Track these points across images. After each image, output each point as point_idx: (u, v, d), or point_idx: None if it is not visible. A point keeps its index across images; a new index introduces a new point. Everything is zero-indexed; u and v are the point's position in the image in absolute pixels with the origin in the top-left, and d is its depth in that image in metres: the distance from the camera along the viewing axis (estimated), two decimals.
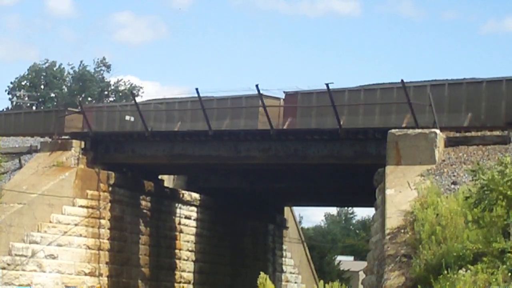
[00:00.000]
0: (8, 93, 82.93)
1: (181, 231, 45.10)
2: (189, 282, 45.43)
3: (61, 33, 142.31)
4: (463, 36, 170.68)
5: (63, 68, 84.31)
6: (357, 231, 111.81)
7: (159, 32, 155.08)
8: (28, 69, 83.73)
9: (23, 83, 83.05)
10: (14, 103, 78.50)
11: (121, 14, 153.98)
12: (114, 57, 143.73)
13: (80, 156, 39.73)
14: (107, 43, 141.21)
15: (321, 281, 28.82)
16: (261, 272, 28.98)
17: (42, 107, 76.63)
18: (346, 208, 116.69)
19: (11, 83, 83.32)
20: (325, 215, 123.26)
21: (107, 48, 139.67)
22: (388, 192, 30.40)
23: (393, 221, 28.12)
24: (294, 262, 56.66)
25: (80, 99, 61.99)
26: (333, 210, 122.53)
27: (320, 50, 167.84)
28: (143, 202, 42.48)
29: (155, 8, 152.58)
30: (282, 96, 41.33)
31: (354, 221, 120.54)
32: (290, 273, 56.06)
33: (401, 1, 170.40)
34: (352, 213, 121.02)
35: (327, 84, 35.49)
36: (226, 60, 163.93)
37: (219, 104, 42.58)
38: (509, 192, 23.57)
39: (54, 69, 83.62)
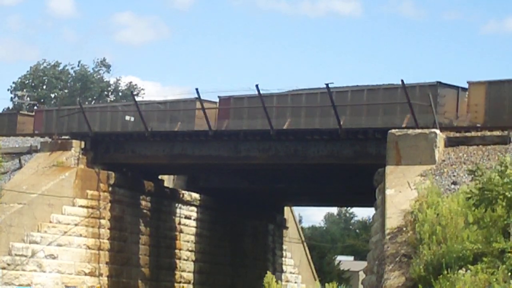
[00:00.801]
0: (10, 93, 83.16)
1: (181, 231, 45.10)
2: (189, 282, 45.43)
3: (62, 33, 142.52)
4: (463, 36, 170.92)
5: (65, 68, 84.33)
6: (357, 231, 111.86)
7: (160, 32, 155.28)
8: (29, 69, 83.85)
9: (25, 83, 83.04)
10: (16, 103, 78.49)
11: (122, 15, 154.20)
12: (115, 57, 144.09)
13: (80, 156, 39.73)
14: (108, 44, 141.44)
15: (317, 282, 28.84)
16: (267, 272, 28.99)
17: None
18: (346, 208, 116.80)
19: (14, 83, 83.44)
20: (325, 216, 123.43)
21: (108, 48, 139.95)
22: (388, 192, 30.40)
23: (393, 221, 28.13)
24: (294, 262, 56.64)
25: (79, 99, 61.95)
26: (334, 210, 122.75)
27: (321, 50, 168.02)
28: (143, 202, 42.47)
29: (156, 8, 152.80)
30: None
31: (354, 221, 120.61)
32: (290, 273, 56.04)
33: (402, 2, 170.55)
34: (352, 213, 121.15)
35: (327, 84, 35.52)
36: (227, 60, 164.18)
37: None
38: (508, 193, 23.54)
39: (55, 69, 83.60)
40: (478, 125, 35.47)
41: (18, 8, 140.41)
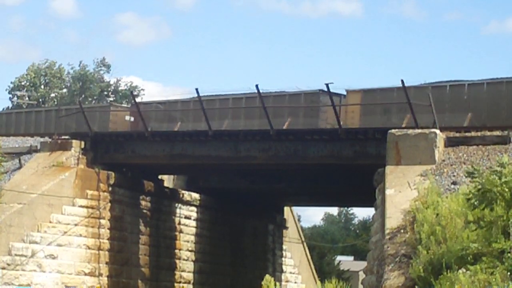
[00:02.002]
0: (9, 93, 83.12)
1: (181, 231, 45.10)
2: (189, 282, 45.43)
3: (64, 34, 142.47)
4: (465, 37, 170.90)
5: (63, 68, 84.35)
6: (357, 231, 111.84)
7: (162, 33, 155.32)
8: (27, 69, 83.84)
9: (23, 83, 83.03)
10: (15, 103, 78.51)
11: (124, 15, 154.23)
12: (116, 58, 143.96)
13: (80, 156, 39.73)
14: (110, 44, 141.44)
15: (319, 282, 28.82)
16: (266, 275, 28.91)
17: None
18: (346, 208, 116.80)
19: (11, 83, 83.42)
20: (324, 215, 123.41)
21: (110, 49, 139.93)
22: (388, 192, 30.40)
23: (393, 221, 28.13)
24: (294, 262, 56.65)
25: (80, 99, 62.02)
26: (333, 210, 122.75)
27: (322, 50, 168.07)
28: (143, 202, 42.48)
29: (158, 9, 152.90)
30: None
31: (354, 222, 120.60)
32: (290, 273, 56.05)
33: (403, 2, 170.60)
34: (352, 214, 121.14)
35: (326, 84, 35.52)
36: (229, 60, 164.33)
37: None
38: (506, 194, 23.53)
39: (54, 69, 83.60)
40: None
41: (20, 8, 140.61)
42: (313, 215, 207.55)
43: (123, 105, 59.74)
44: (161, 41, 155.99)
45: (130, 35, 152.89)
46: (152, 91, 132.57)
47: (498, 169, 23.87)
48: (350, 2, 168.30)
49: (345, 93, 39.99)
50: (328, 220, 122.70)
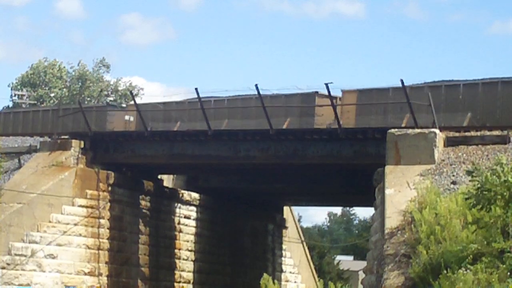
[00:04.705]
0: (11, 90, 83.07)
1: (180, 231, 45.09)
2: (188, 282, 45.43)
3: (69, 34, 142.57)
4: (468, 38, 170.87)
5: (64, 67, 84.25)
6: (357, 231, 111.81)
7: (166, 33, 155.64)
8: (28, 68, 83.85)
9: (24, 82, 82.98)
10: (16, 102, 78.44)
11: (129, 16, 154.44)
12: (121, 58, 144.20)
13: (80, 156, 39.72)
14: (114, 44, 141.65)
15: (321, 280, 28.83)
16: (264, 274, 28.94)
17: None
18: (348, 208, 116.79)
19: (15, 79, 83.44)
20: (328, 215, 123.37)
21: (114, 49, 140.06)
22: (388, 191, 30.39)
23: (392, 220, 28.13)
24: (293, 261, 56.65)
25: (80, 99, 62.01)
26: (336, 210, 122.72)
27: (325, 51, 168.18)
28: (143, 202, 42.47)
29: (162, 10, 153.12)
30: None
31: (355, 222, 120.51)
32: (290, 272, 56.05)
33: (406, 3, 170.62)
34: (354, 214, 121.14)
35: (326, 84, 35.52)
36: (233, 61, 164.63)
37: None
38: (505, 193, 23.54)
39: (54, 69, 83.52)
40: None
41: (26, 9, 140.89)
42: (314, 215, 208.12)
43: (122, 105, 59.69)
44: (165, 42, 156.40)
45: (134, 36, 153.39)
46: (156, 92, 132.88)
47: (498, 168, 23.87)
48: (353, 3, 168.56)
49: (340, 94, 40.46)
50: (332, 220, 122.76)
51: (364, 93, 40.03)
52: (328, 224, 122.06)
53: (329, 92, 35.64)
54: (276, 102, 41.90)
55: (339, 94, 41.24)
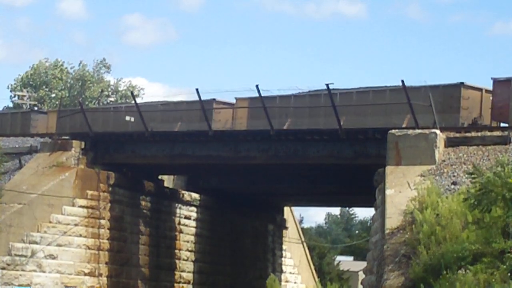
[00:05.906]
0: (11, 91, 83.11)
1: (181, 231, 45.08)
2: (188, 282, 45.41)
3: (71, 35, 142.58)
4: (470, 38, 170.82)
5: (65, 68, 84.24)
6: (357, 232, 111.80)
7: (168, 34, 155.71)
8: (29, 68, 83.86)
9: (23, 83, 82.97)
10: (16, 102, 78.44)
11: (131, 16, 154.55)
12: (123, 58, 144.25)
13: (80, 156, 39.73)
14: (116, 45, 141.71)
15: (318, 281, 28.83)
16: (270, 274, 28.95)
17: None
18: (348, 209, 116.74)
19: (11, 84, 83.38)
20: (327, 215, 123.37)
21: (116, 49, 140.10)
22: (388, 192, 30.39)
23: (392, 221, 28.12)
24: (293, 262, 56.62)
25: (80, 99, 61.97)
26: (335, 211, 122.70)
27: (326, 52, 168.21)
28: (143, 202, 42.46)
29: (164, 10, 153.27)
30: None
31: (355, 222, 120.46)
32: (290, 273, 56.01)
33: (408, 4, 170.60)
34: (353, 214, 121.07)
35: (327, 84, 35.53)
36: (234, 61, 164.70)
37: None
38: (507, 194, 23.53)
39: (55, 70, 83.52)
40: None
41: (28, 9, 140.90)
42: (315, 215, 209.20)
43: (122, 105, 59.70)
44: (167, 43, 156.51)
45: (136, 36, 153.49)
46: (158, 92, 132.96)
47: (499, 169, 23.87)
48: (354, 4, 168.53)
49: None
50: (330, 220, 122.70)
51: (254, 101, 41.06)
52: (327, 224, 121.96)
53: (329, 92, 35.65)
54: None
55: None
